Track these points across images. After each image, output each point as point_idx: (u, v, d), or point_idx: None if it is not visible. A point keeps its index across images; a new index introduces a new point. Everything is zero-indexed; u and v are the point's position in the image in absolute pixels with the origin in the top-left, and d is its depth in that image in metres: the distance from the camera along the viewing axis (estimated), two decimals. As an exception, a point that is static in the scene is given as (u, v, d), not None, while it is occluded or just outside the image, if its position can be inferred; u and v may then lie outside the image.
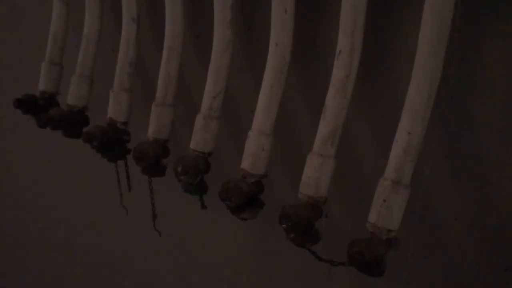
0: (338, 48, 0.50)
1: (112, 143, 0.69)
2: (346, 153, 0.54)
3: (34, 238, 1.15)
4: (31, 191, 1.10)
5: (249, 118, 0.58)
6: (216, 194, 0.56)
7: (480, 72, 0.50)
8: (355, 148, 0.58)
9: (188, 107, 0.69)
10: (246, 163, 0.56)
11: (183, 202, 0.69)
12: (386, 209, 0.48)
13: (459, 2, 0.44)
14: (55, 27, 0.76)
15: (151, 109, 0.66)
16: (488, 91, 0.50)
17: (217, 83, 0.60)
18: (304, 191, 0.52)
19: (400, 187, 0.47)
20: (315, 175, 0.52)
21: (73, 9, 0.76)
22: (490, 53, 0.49)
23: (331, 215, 0.57)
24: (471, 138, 0.52)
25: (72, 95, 0.74)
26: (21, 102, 0.76)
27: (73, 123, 0.73)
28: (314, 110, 0.55)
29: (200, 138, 0.61)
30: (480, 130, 0.52)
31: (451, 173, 0.55)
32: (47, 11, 0.77)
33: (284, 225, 0.51)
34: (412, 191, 0.48)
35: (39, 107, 0.77)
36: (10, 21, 0.93)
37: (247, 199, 0.55)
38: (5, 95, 0.87)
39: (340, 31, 0.50)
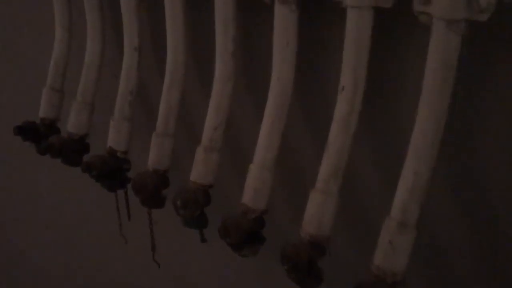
0: (341, 83, 0.49)
1: (112, 172, 0.68)
2: (350, 190, 0.52)
3: (32, 264, 1.14)
4: (29, 218, 1.09)
5: (251, 148, 0.56)
6: (217, 224, 0.55)
7: (487, 106, 0.48)
8: (360, 185, 0.57)
9: (189, 135, 0.68)
10: (246, 198, 0.55)
11: (183, 233, 0.68)
12: (391, 251, 0.46)
13: (465, 41, 0.43)
14: (57, 53, 0.76)
15: (151, 136, 0.65)
16: (496, 125, 0.49)
17: (218, 114, 0.59)
18: (306, 229, 0.51)
19: (406, 229, 0.46)
20: (317, 213, 0.50)
21: (75, 34, 0.75)
22: (496, 89, 0.48)
23: (336, 254, 0.55)
24: (479, 173, 0.51)
25: (73, 123, 0.73)
26: (21, 129, 0.75)
27: (73, 151, 0.72)
28: (318, 144, 0.53)
29: (200, 170, 0.60)
30: (488, 165, 0.50)
31: (460, 209, 0.53)
32: (48, 36, 0.76)
33: (285, 266, 0.49)
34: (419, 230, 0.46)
35: (39, 134, 0.76)
36: (11, 46, 0.93)
37: (247, 236, 0.53)
38: (5, 121, 0.86)
39: (343, 66, 0.48)
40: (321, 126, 0.52)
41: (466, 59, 0.44)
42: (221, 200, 0.62)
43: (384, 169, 0.55)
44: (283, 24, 0.51)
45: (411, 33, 0.49)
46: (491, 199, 0.51)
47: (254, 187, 0.55)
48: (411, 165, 0.45)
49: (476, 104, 0.48)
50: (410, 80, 0.50)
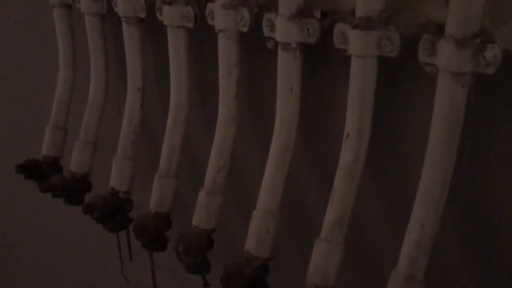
0: (346, 130, 0.48)
1: (114, 213, 0.67)
2: (356, 239, 0.51)
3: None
4: (30, 257, 1.08)
5: (255, 191, 0.55)
6: (220, 268, 0.54)
7: (494, 154, 0.48)
8: (366, 233, 0.55)
9: (193, 175, 0.68)
10: (250, 245, 0.54)
11: (185, 276, 0.66)
12: (399, 305, 0.45)
13: (472, 91, 0.42)
14: (60, 91, 0.76)
15: (154, 175, 0.64)
16: (503, 172, 0.48)
17: (221, 156, 0.59)
18: (311, 280, 0.50)
19: (413, 282, 0.45)
20: (322, 263, 0.49)
21: (79, 71, 0.75)
22: (504, 137, 0.47)
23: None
24: (488, 221, 0.50)
25: (75, 162, 0.72)
26: (23, 167, 0.74)
27: (75, 191, 0.71)
28: (323, 189, 0.52)
29: (202, 214, 0.59)
30: (496, 213, 0.49)
31: (469, 259, 0.51)
32: (52, 74, 0.76)
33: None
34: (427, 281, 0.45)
35: (42, 172, 0.75)
36: (14, 83, 0.93)
37: (250, 284, 0.52)
38: (8, 158, 0.86)
39: (348, 113, 0.48)
40: (327, 171, 0.51)
41: (474, 108, 0.44)
42: (224, 242, 0.61)
43: (391, 216, 0.54)
44: (287, 70, 0.51)
45: (417, 79, 0.48)
46: (504, 249, 0.50)
47: (258, 234, 0.54)
48: (418, 216, 0.44)
49: (486, 151, 0.47)
50: (417, 126, 0.49)
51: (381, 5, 0.43)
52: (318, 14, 0.49)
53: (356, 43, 0.44)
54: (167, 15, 0.58)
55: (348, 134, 0.48)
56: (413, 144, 0.50)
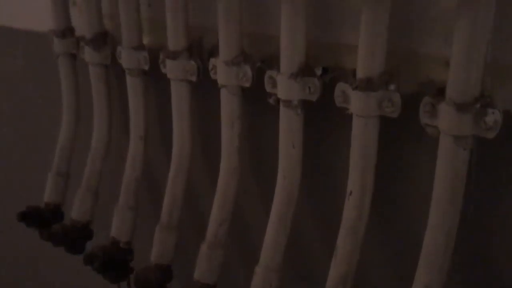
0: (349, 188, 0.48)
1: (114, 263, 0.66)
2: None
3: None
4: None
5: (258, 244, 0.55)
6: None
7: (498, 212, 0.47)
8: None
9: (195, 226, 0.67)
10: (253, 301, 0.53)
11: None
12: None
13: (474, 151, 0.42)
14: (63, 138, 0.76)
15: (156, 225, 0.64)
16: (507, 230, 0.47)
17: (223, 209, 0.58)
18: None
19: None
20: (326, 322, 0.48)
21: (83, 119, 0.76)
22: (507, 198, 0.46)
23: None
24: (492, 283, 0.49)
25: (77, 210, 0.72)
26: (25, 215, 0.74)
27: (76, 239, 0.71)
28: (327, 244, 0.52)
29: (204, 268, 0.58)
30: (500, 272, 0.48)
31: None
32: (56, 120, 0.77)
33: None
34: None
35: (43, 219, 0.75)
36: (17, 128, 0.94)
37: None
38: (10, 205, 0.85)
39: (351, 171, 0.48)
40: (330, 226, 0.51)
41: (476, 167, 0.44)
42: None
43: (395, 273, 0.53)
44: (289, 126, 0.51)
45: (419, 137, 0.48)
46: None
47: (260, 289, 0.53)
48: (422, 279, 0.44)
49: (489, 212, 0.47)
50: (419, 183, 0.49)
51: (382, 67, 0.44)
52: (319, 71, 0.50)
53: (357, 104, 0.45)
54: (171, 68, 0.59)
55: (351, 192, 0.48)
56: (417, 200, 0.49)
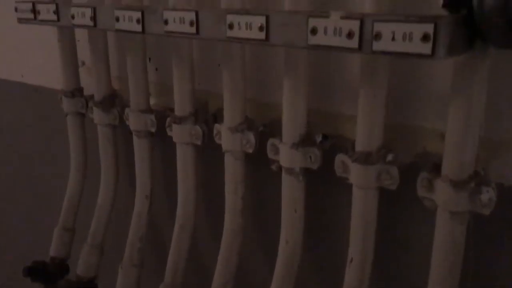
0: (350, 255, 0.49)
1: (118, 322, 0.67)
2: None
3: None
4: None
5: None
6: None
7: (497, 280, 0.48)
8: None
9: (199, 284, 0.68)
10: None
11: None
12: None
13: (470, 223, 0.43)
14: (71, 193, 0.78)
15: (160, 279, 0.64)
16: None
17: (226, 270, 0.59)
18: None
19: None
20: None
21: (89, 176, 0.77)
22: (507, 263, 0.47)
23: None
24: None
25: (82, 265, 0.73)
26: (31, 270, 0.75)
27: (81, 296, 0.72)
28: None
29: (208, 330, 0.59)
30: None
31: None
32: (63, 176, 0.79)
33: None
34: None
35: (48, 274, 0.76)
36: (23, 183, 0.95)
37: None
38: (17, 259, 0.86)
39: (351, 239, 0.49)
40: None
41: (474, 236, 0.45)
42: None
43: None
44: (291, 192, 0.52)
45: (418, 207, 0.49)
46: None
47: None
48: None
49: (488, 276, 0.48)
50: (419, 252, 0.50)
51: (380, 141, 0.45)
52: (319, 137, 0.52)
53: (356, 175, 0.46)
54: (177, 133, 0.60)
55: (351, 259, 0.49)
56: (416, 269, 0.50)
